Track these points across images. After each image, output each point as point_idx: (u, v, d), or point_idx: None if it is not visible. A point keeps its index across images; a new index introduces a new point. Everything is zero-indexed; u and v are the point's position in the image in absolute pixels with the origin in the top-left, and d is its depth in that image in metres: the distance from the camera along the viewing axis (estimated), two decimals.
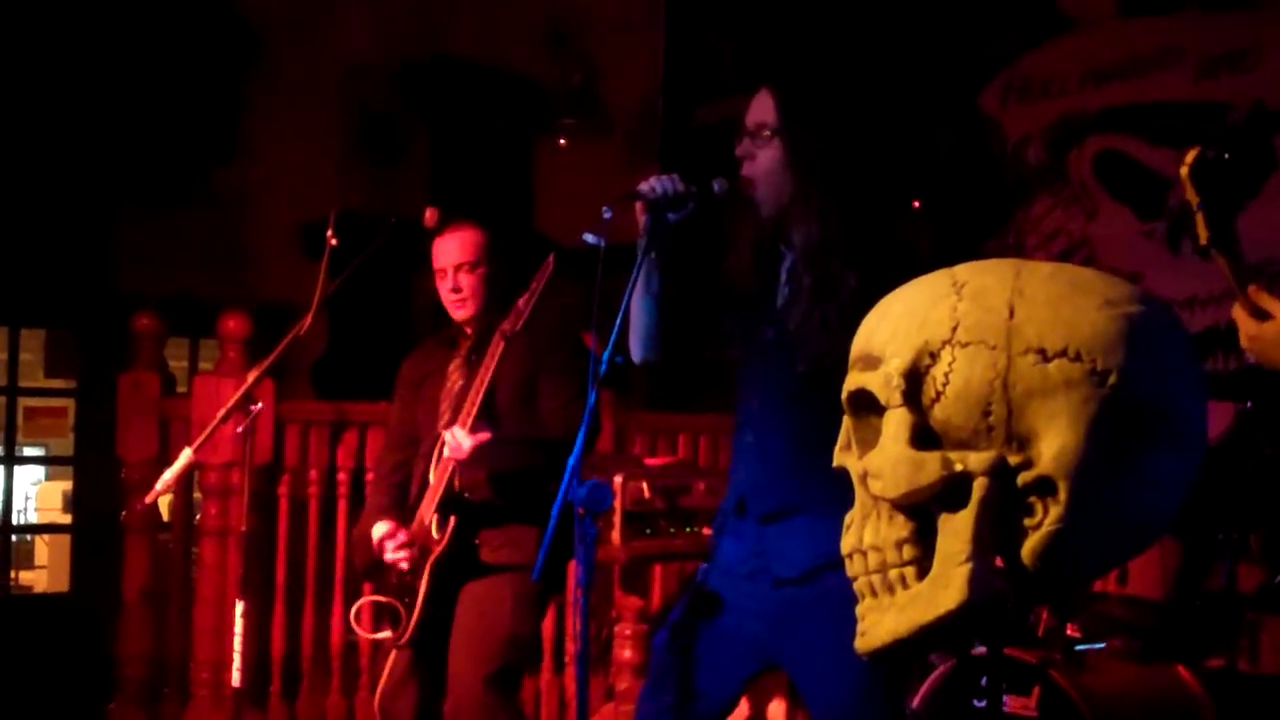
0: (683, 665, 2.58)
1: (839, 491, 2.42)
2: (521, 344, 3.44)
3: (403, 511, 3.64)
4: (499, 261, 3.63)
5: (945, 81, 6.62)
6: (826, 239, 2.52)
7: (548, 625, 4.91)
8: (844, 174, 2.57)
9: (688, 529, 4.08)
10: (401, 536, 3.53)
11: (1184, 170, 2.10)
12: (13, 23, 6.22)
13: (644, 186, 2.54)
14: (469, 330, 3.66)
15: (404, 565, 3.51)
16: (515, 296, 3.46)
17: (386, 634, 3.62)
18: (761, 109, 2.62)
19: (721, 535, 2.69)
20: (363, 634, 4.25)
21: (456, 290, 3.59)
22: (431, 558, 3.46)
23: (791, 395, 2.56)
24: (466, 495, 3.48)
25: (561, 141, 7.82)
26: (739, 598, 2.58)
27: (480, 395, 3.37)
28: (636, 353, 2.67)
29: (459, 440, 3.34)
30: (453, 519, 3.44)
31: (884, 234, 2.55)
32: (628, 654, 4.26)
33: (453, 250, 3.58)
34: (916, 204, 6.21)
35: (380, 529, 3.58)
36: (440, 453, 3.48)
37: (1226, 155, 2.13)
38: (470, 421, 3.37)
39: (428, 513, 3.49)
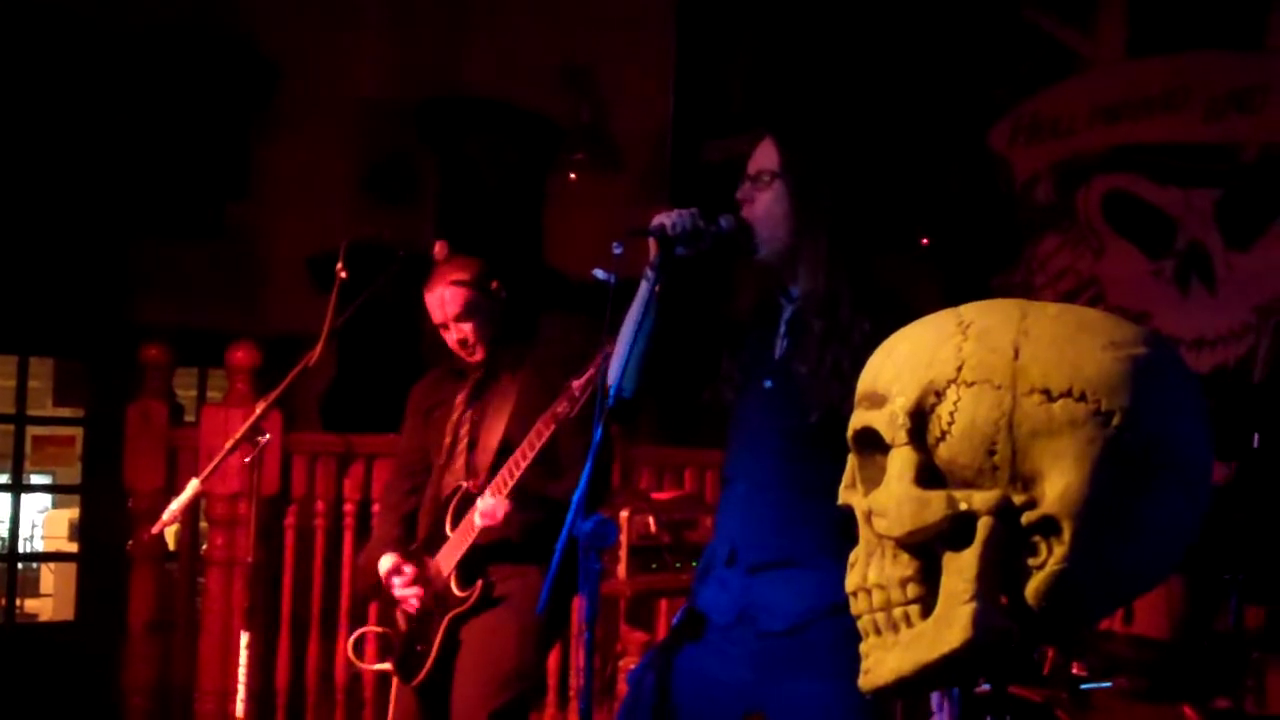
0: (662, 705, 2.54)
1: (832, 544, 2.35)
2: (534, 390, 3.45)
3: (410, 545, 3.65)
4: (493, 295, 3.61)
5: (955, 120, 6.65)
6: (834, 285, 2.51)
7: (552, 659, 4.90)
8: (847, 219, 2.55)
9: (693, 563, 4.07)
10: (409, 572, 3.55)
11: None
12: (30, 57, 6.27)
13: (663, 220, 2.51)
14: (479, 367, 3.67)
15: (413, 604, 3.53)
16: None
17: (386, 666, 3.62)
18: (764, 156, 2.60)
19: (703, 583, 2.63)
20: (363, 666, 4.25)
21: (463, 343, 3.61)
22: (452, 613, 3.47)
23: (789, 446, 2.53)
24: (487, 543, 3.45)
25: (572, 176, 7.86)
26: (724, 643, 2.53)
27: (522, 471, 3.32)
28: (614, 381, 2.58)
29: (495, 510, 3.34)
30: (480, 583, 3.45)
31: (886, 279, 2.54)
32: None
33: (447, 304, 3.57)
34: (925, 241, 6.22)
35: (387, 562, 3.59)
36: (456, 505, 3.51)
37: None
38: (509, 490, 3.34)
39: (447, 564, 3.50)
